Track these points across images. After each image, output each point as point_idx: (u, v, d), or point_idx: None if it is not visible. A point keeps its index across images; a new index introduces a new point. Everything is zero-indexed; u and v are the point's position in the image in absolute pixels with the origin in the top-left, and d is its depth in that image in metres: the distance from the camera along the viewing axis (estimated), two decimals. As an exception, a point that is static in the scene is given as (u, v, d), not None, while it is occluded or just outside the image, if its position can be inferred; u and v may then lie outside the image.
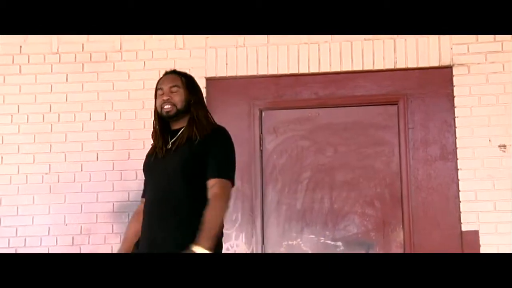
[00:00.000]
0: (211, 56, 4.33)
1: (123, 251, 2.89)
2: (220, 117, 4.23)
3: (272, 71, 4.30)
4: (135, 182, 4.14)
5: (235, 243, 4.13)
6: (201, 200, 2.72)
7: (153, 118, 2.93)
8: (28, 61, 4.32)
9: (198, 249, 2.55)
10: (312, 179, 4.18)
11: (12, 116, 4.26)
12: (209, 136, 2.86)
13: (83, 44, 4.33)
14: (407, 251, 3.99)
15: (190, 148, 2.80)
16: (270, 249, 4.09)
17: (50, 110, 4.25)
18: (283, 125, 4.27)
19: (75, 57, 4.32)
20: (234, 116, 4.26)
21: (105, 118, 4.25)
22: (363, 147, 4.19)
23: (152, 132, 2.96)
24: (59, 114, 4.25)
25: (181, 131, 2.86)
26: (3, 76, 4.30)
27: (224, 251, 4.04)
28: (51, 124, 4.25)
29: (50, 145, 4.23)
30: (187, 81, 2.98)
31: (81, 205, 4.17)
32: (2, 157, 4.23)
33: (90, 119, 4.25)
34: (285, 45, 4.29)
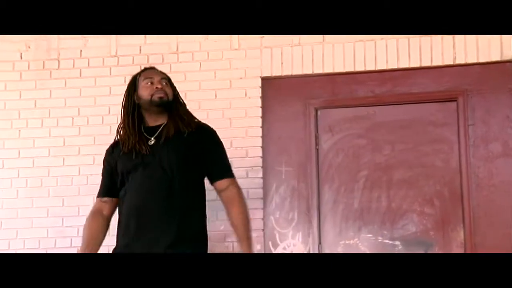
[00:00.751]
0: (266, 56, 4.31)
1: (88, 251, 2.80)
2: (275, 117, 4.26)
3: (328, 69, 4.25)
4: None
5: (292, 242, 4.11)
6: (198, 196, 2.75)
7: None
8: (88, 65, 4.40)
9: (247, 246, 2.56)
10: (369, 177, 4.12)
11: (73, 118, 4.35)
12: (198, 132, 2.86)
13: (140, 47, 4.38)
14: (468, 251, 3.88)
15: (182, 142, 2.77)
16: (327, 249, 4.05)
17: (109, 112, 4.31)
18: (339, 124, 4.21)
19: (133, 59, 4.37)
20: (290, 115, 4.23)
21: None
22: (421, 144, 4.10)
23: (121, 128, 2.93)
24: (117, 117, 4.27)
25: (164, 125, 2.84)
26: (64, 80, 4.39)
27: (280, 250, 4.07)
28: (110, 126, 4.29)
29: (110, 147, 4.29)
30: (170, 79, 3.06)
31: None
32: (64, 159, 4.32)
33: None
34: (341, 43, 4.24)
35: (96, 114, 4.33)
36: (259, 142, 4.21)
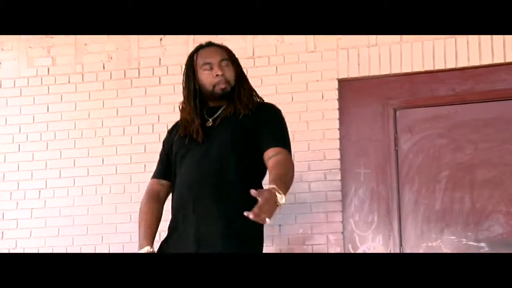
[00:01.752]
0: (342, 57, 4.26)
1: (149, 238, 2.62)
2: (353, 118, 4.20)
3: (406, 69, 4.15)
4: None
5: (372, 245, 4.02)
6: (253, 183, 2.45)
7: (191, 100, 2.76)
8: (167, 72, 4.47)
9: (277, 192, 2.29)
10: (451, 178, 3.98)
11: (153, 125, 4.42)
12: (256, 112, 2.64)
13: (217, 53, 4.42)
14: (559, 253, 3.70)
15: (238, 122, 2.56)
16: (408, 251, 3.94)
17: (187, 118, 4.37)
18: (418, 124, 4.10)
19: (210, 66, 4.42)
20: (368, 116, 4.16)
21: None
22: (506, 143, 3.93)
23: (185, 111, 2.72)
24: (196, 122, 4.36)
25: (224, 107, 2.64)
26: (144, 88, 4.49)
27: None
28: (189, 132, 4.37)
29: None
30: (231, 53, 2.78)
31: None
32: (145, 165, 4.39)
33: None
34: (419, 42, 4.13)
35: (175, 120, 4.38)
36: (336, 144, 4.15)
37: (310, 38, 4.30)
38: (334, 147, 4.15)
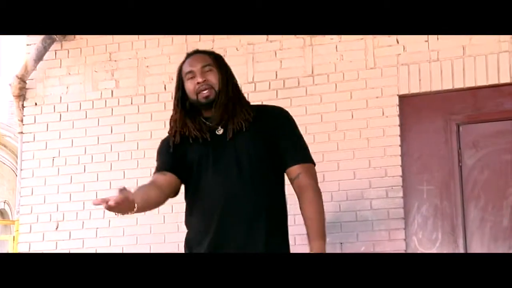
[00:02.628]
0: (403, 73, 4.20)
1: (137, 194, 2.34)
2: (415, 135, 4.12)
3: (469, 83, 4.05)
4: (330, 203, 4.09)
5: (436, 263, 3.92)
6: (276, 194, 2.43)
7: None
8: (226, 92, 4.50)
9: (319, 246, 2.26)
10: (518, 194, 3.87)
11: (213, 145, 4.46)
12: (264, 118, 2.50)
13: (276, 72, 4.43)
14: None
15: (253, 135, 2.44)
16: (475, 271, 3.82)
17: (247, 137, 4.39)
18: (483, 139, 3.99)
19: (269, 84, 4.42)
20: (430, 132, 4.07)
21: (299, 142, 4.30)
22: None
23: (175, 120, 2.55)
24: (255, 140, 4.37)
25: (235, 119, 2.48)
26: (204, 108, 4.53)
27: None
28: (249, 150, 4.38)
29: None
30: (217, 58, 2.64)
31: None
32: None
33: (285, 143, 4.31)
34: (483, 56, 4.04)
35: (235, 139, 4.41)
36: (398, 161, 4.08)
37: (369, 54, 4.27)
38: (395, 164, 4.08)
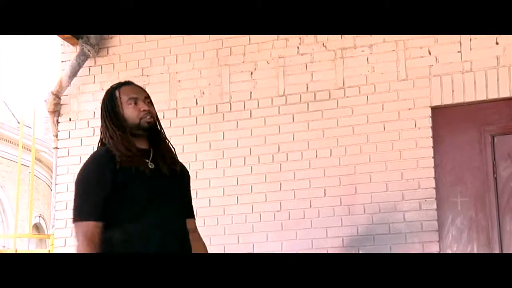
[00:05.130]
0: (435, 85, 4.16)
1: None
2: (448, 146, 4.08)
3: (504, 93, 4.00)
4: (363, 216, 4.13)
5: (472, 277, 3.86)
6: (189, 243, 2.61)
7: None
8: (258, 106, 4.53)
9: None
10: (556, 206, 3.79)
11: (245, 158, 4.48)
12: (182, 167, 2.70)
13: (307, 85, 4.43)
14: None
15: (184, 180, 2.66)
16: None
17: (278, 150, 4.39)
18: (519, 150, 3.95)
19: (300, 97, 4.43)
20: (463, 143, 4.02)
21: (330, 155, 4.30)
22: None
23: (122, 143, 2.54)
24: (287, 154, 4.37)
25: (170, 155, 2.62)
26: (236, 121, 4.55)
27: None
28: (280, 164, 4.38)
29: (280, 184, 4.34)
30: (150, 97, 2.72)
31: (312, 241, 4.23)
32: (237, 197, 4.45)
33: (316, 156, 4.30)
34: (518, 66, 4.02)
35: (266, 153, 4.43)
36: (431, 172, 4.04)
37: (401, 66, 4.24)
38: (428, 176, 4.04)
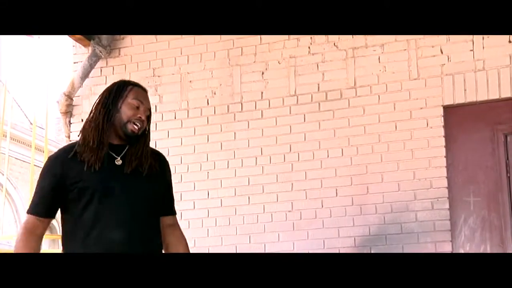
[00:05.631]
0: (447, 84, 4.15)
1: None
2: (460, 145, 4.06)
3: (517, 92, 4.02)
4: (375, 216, 4.12)
5: (485, 277, 3.85)
6: (160, 242, 2.59)
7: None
8: (269, 106, 4.53)
9: None
10: None
11: (256, 158, 4.48)
12: (160, 163, 2.63)
13: (318, 84, 4.43)
14: None
15: (157, 178, 2.58)
16: (525, 284, 3.74)
17: (290, 150, 4.39)
18: (532, 149, 3.93)
19: (312, 97, 4.42)
20: (476, 143, 4.01)
21: (342, 154, 4.29)
22: None
23: (89, 131, 2.52)
24: (298, 154, 4.37)
25: (142, 153, 2.56)
26: (247, 121, 4.55)
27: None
28: (292, 164, 4.37)
29: (292, 184, 4.34)
30: (151, 112, 2.70)
31: (323, 241, 4.22)
32: (249, 197, 4.45)
33: (328, 156, 4.30)
34: (531, 64, 4.00)
35: (277, 153, 4.43)
36: (443, 172, 4.03)
37: (413, 65, 4.23)
38: (441, 175, 4.03)
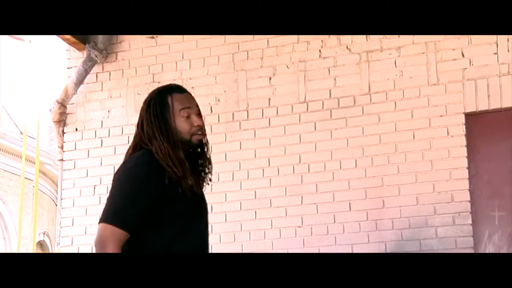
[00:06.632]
0: (470, 89, 4.15)
1: None
2: (484, 156, 4.05)
3: (545, 98, 4.02)
4: (391, 232, 4.12)
5: None
6: None
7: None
8: (277, 113, 4.54)
9: None
10: None
11: (263, 169, 4.48)
12: None
13: (330, 90, 4.44)
14: None
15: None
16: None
17: (299, 161, 4.39)
18: (561, 159, 3.93)
19: (323, 104, 4.43)
20: (501, 153, 4.02)
21: (356, 166, 4.29)
22: None
23: (173, 160, 2.42)
24: (308, 165, 4.37)
25: (205, 169, 2.56)
26: (253, 130, 4.57)
27: None
28: (301, 176, 4.37)
29: (301, 197, 4.34)
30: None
31: (336, 259, 4.21)
32: (255, 212, 4.45)
33: (340, 167, 4.30)
34: (559, 68, 4.00)
35: (286, 164, 4.43)
36: (465, 184, 4.03)
37: (432, 70, 4.24)
38: (463, 188, 4.03)
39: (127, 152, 2.56)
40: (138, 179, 2.41)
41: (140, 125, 2.54)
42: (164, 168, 2.42)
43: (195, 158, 2.56)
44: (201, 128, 2.52)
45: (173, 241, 2.43)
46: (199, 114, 2.54)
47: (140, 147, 2.52)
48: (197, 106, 2.56)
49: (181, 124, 2.48)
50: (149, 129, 2.50)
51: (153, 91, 2.59)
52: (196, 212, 2.51)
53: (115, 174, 2.48)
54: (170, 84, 2.67)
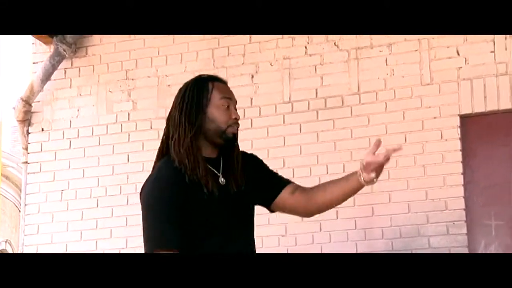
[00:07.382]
0: (465, 90, 4.16)
1: None
2: (480, 161, 4.06)
3: (544, 100, 4.04)
4: (381, 241, 4.10)
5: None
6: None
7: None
8: (259, 114, 4.51)
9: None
10: None
11: (244, 174, 4.47)
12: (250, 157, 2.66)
13: (316, 90, 4.42)
14: None
15: (249, 196, 2.52)
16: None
17: (283, 165, 4.32)
18: None
19: (309, 104, 4.41)
20: (498, 158, 4.03)
21: (343, 170, 4.27)
22: None
23: (188, 157, 2.39)
24: (293, 169, 4.30)
25: (237, 167, 2.49)
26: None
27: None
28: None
29: (286, 204, 4.35)
30: None
31: None
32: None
33: (327, 172, 4.27)
34: (559, 67, 4.03)
35: (273, 167, 4.40)
36: (460, 191, 4.04)
37: (425, 68, 4.25)
38: (457, 195, 4.04)
39: (156, 157, 2.54)
40: (164, 199, 2.38)
41: (169, 114, 2.50)
42: (182, 168, 2.39)
43: (227, 153, 2.50)
44: (237, 123, 2.49)
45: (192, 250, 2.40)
46: (237, 110, 2.52)
47: (163, 151, 2.49)
48: (236, 102, 2.53)
49: (220, 113, 2.44)
50: (178, 114, 2.45)
51: (191, 79, 2.56)
52: (222, 221, 2.43)
53: (142, 189, 2.46)
54: (212, 75, 2.60)
